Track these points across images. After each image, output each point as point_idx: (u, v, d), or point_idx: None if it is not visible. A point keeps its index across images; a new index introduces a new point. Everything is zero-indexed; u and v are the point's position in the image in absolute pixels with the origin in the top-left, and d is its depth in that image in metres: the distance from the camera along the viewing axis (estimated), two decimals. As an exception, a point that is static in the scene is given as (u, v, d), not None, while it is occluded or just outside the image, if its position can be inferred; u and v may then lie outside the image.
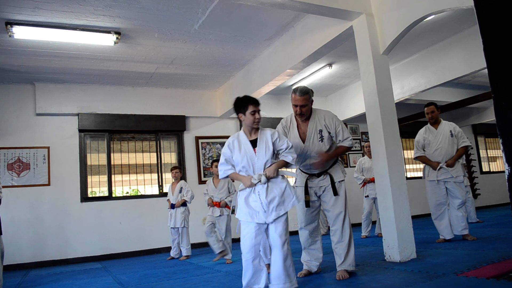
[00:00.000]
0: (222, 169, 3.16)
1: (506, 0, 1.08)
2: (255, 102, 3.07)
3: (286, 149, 3.06)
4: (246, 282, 2.98)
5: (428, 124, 5.24)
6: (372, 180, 6.25)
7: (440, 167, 4.97)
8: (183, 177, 7.87)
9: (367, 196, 6.56)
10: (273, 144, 3.05)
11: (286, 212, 3.03)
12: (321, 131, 3.48)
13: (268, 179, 2.99)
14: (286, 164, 3.11)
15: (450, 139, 5.03)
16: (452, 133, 5.05)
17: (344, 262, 3.46)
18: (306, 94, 3.41)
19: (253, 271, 2.97)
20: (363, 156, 7.22)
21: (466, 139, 5.11)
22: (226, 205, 5.41)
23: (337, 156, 3.59)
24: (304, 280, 3.49)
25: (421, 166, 5.57)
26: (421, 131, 5.25)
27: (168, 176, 7.83)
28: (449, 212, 4.99)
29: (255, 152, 3.03)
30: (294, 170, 3.67)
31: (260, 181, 2.96)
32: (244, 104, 3.06)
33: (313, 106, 3.58)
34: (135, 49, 5.97)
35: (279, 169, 3.07)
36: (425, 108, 5.24)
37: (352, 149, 9.88)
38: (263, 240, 3.02)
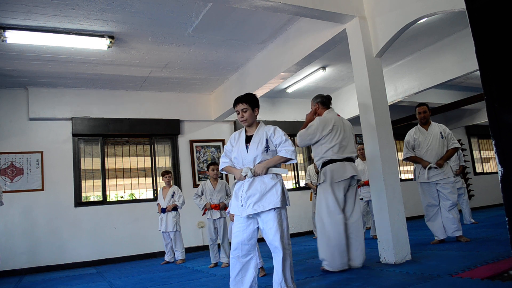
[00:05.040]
0: (221, 161, 3.19)
1: (498, 2, 1.09)
2: (236, 102, 3.11)
3: (280, 143, 2.96)
4: (231, 280, 2.95)
5: (418, 125, 5.25)
6: (366, 183, 6.24)
7: (430, 167, 4.98)
8: (177, 180, 7.86)
9: (361, 198, 6.56)
10: (268, 139, 2.98)
11: (279, 218, 2.86)
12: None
13: (255, 174, 2.91)
14: (285, 160, 2.95)
15: (440, 140, 5.05)
16: (442, 135, 5.08)
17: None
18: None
19: (238, 270, 2.91)
20: (356, 158, 7.21)
21: (455, 141, 5.14)
22: (225, 207, 5.36)
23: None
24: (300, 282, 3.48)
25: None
26: (411, 132, 5.24)
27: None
28: (441, 214, 5.01)
29: (246, 147, 3.00)
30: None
31: (247, 174, 2.92)
32: (233, 104, 3.10)
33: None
34: (128, 53, 5.96)
35: (273, 167, 2.93)
36: (417, 108, 5.25)
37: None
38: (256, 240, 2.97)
